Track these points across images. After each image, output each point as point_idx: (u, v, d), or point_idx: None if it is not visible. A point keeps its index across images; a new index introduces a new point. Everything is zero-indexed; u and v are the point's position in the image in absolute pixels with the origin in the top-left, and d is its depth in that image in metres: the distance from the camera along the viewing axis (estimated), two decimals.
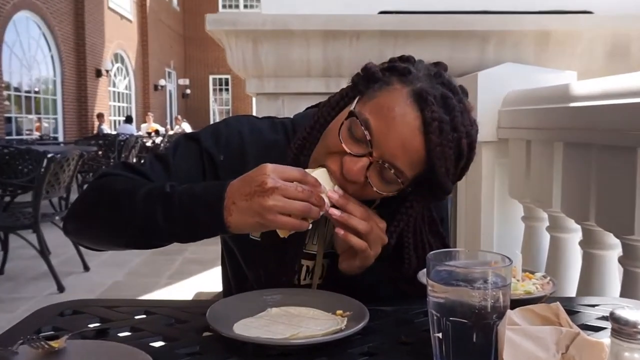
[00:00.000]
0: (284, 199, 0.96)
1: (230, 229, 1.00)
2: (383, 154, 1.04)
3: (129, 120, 15.80)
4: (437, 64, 1.13)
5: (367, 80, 1.10)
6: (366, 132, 1.03)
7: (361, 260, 1.10)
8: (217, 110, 28.58)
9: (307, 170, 1.06)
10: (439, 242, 1.25)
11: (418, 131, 1.02)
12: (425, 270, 0.86)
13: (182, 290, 4.83)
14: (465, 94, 1.12)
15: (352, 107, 1.09)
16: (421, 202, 1.16)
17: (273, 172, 0.98)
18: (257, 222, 0.98)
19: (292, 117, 1.34)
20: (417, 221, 1.19)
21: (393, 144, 1.02)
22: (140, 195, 1.05)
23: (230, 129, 1.24)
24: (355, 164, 1.04)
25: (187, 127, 17.94)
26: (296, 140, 1.19)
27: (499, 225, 2.35)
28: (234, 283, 1.38)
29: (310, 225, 1.02)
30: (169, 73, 26.09)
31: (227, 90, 28.74)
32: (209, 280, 4.97)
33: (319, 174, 1.06)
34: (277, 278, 1.23)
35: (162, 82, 23.87)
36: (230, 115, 24.48)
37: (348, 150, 1.05)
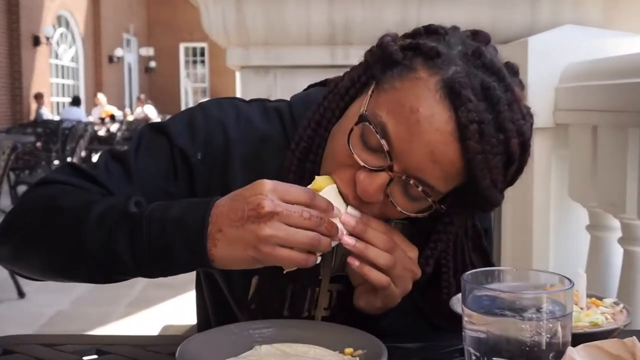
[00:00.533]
0: (285, 227, 0.96)
1: (215, 264, 1.00)
2: (407, 167, 1.03)
3: (76, 102, 15.85)
4: (476, 34, 1.12)
5: (384, 64, 1.09)
6: (383, 142, 1.03)
7: (383, 300, 1.11)
8: (190, 88, 28.60)
9: (316, 178, 1.06)
10: (481, 260, 1.25)
11: (451, 137, 1.01)
12: (460, 295, 0.86)
13: (146, 323, 4.85)
14: (515, 73, 1.11)
15: (364, 104, 1.08)
16: (463, 216, 1.16)
17: (272, 192, 0.98)
18: (249, 256, 0.98)
19: (289, 99, 1.33)
20: (458, 237, 1.20)
21: (419, 155, 1.02)
22: (95, 216, 1.05)
23: (209, 119, 1.24)
24: (372, 182, 1.04)
25: (151, 111, 18.01)
26: (298, 139, 1.18)
27: (557, 236, 2.34)
28: (212, 312, 1.37)
29: (319, 259, 1.02)
30: (128, 41, 26.13)
31: (202, 62, 28.77)
32: (180, 309, 4.98)
33: (330, 191, 1.07)
34: (274, 309, 1.23)
35: (118, 52, 23.93)
36: (208, 96, 24.34)
37: (362, 163, 1.05)
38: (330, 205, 1.02)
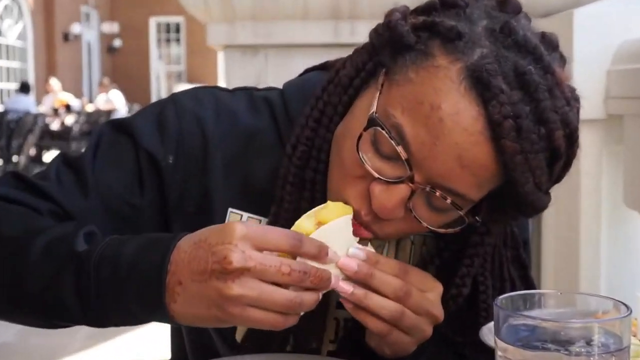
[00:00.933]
0: (258, 285, 0.95)
1: (176, 320, 1.00)
2: (430, 176, 1.03)
3: (24, 89, 15.83)
4: (504, 3, 1.10)
5: (394, 48, 1.08)
6: (400, 149, 1.02)
7: (391, 348, 1.11)
8: (163, 72, 28.63)
9: (329, 204, 1.06)
10: (518, 275, 1.26)
11: (482, 136, 1.00)
12: (491, 324, 0.86)
13: (108, 358, 4.81)
14: (554, 47, 1.10)
15: (374, 102, 1.07)
16: (502, 224, 1.17)
17: (244, 240, 0.95)
18: (213, 315, 0.97)
19: (281, 87, 1.34)
20: (496, 248, 1.20)
21: (444, 161, 1.02)
22: (39, 250, 1.05)
23: (183, 113, 1.24)
24: (390, 196, 1.04)
25: (117, 98, 18.01)
26: (295, 141, 1.18)
27: (610, 251, 2.34)
28: (189, 346, 1.38)
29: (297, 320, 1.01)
30: (87, 15, 26.19)
31: (177, 41, 28.81)
32: (151, 343, 4.97)
33: (342, 224, 1.05)
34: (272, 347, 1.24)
35: (75, 28, 23.95)
36: (185, 81, 24.37)
37: (376, 175, 1.05)
38: (322, 251, 1.00)
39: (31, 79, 20.58)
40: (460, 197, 1.04)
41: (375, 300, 1.04)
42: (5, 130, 10.18)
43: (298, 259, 0.98)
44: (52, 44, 22.52)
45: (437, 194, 1.03)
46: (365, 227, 1.08)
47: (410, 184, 1.03)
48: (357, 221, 1.08)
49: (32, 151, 10.04)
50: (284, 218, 1.17)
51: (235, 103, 1.27)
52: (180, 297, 0.97)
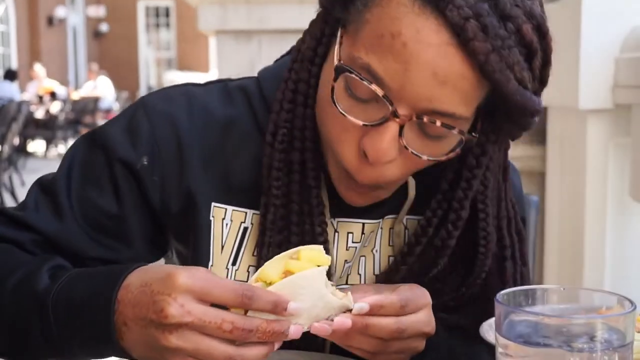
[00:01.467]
0: (196, 338, 0.96)
1: (131, 355, 1.03)
2: (413, 104, 1.04)
3: (10, 76, 15.80)
4: None
5: (342, 0, 1.10)
6: (374, 86, 1.04)
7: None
8: (152, 58, 28.56)
9: (301, 250, 1.04)
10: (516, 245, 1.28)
11: (450, 46, 1.01)
12: (492, 320, 0.86)
13: None
14: None
15: (336, 54, 1.09)
16: (497, 144, 1.17)
17: (186, 293, 0.95)
18: (158, 358, 0.99)
19: (257, 74, 1.35)
20: (494, 182, 1.22)
21: (421, 83, 1.02)
22: (7, 293, 1.11)
23: (154, 115, 1.26)
24: (381, 139, 1.05)
25: (106, 86, 17.95)
26: (273, 128, 1.20)
27: (615, 245, 2.35)
28: None
29: None
30: None
31: (167, 26, 28.73)
32: None
33: (307, 277, 1.01)
34: None
35: (60, 12, 23.86)
36: (175, 68, 24.24)
37: (361, 122, 1.06)
38: (279, 306, 0.97)
39: (14, 65, 20.51)
40: (449, 116, 1.05)
41: (358, 339, 1.07)
42: None
43: (250, 312, 0.98)
44: (36, 28, 22.42)
45: (425, 119, 1.04)
46: (369, 180, 1.10)
47: (396, 119, 1.04)
48: (358, 174, 1.10)
49: (16, 140, 9.99)
50: (275, 206, 1.20)
51: (208, 96, 1.29)
52: (126, 336, 1.00)
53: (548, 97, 2.55)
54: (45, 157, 14.82)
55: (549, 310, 0.84)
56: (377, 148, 1.05)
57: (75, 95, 17.19)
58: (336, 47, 1.10)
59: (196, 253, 1.26)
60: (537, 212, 1.56)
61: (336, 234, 1.27)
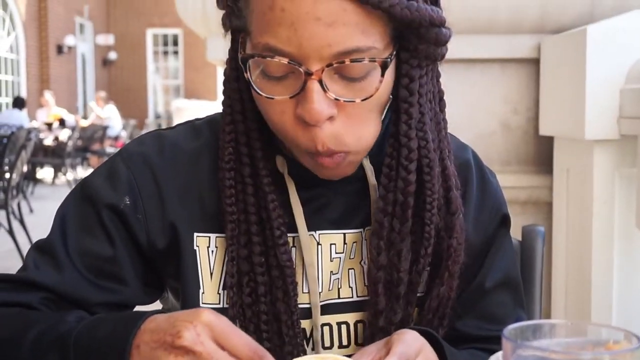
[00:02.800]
0: None
1: None
2: (318, 55, 1.07)
3: (18, 103, 15.81)
4: None
5: (229, 17, 1.17)
6: (277, 58, 1.08)
7: None
8: (159, 86, 28.68)
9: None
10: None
11: None
12: (500, 354, 0.86)
13: None
14: None
15: (239, 53, 1.15)
16: (422, 65, 1.19)
17: (206, 326, 1.00)
18: None
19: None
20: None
21: (315, 35, 1.06)
22: (29, 342, 1.14)
23: (129, 159, 1.32)
24: (310, 100, 1.08)
25: (113, 114, 17.99)
26: (222, 149, 1.26)
27: (621, 278, 2.34)
28: None
29: None
30: (82, 26, 26.24)
31: (175, 54, 28.84)
32: None
33: None
34: None
35: (69, 40, 23.98)
36: (182, 96, 24.24)
37: (286, 97, 1.10)
38: None
39: (23, 93, 20.60)
40: (354, 51, 1.07)
41: None
42: None
43: None
44: (46, 56, 22.52)
45: (335, 64, 1.06)
46: (328, 143, 1.12)
47: (312, 76, 1.07)
48: (318, 157, 1.14)
49: (25, 168, 10.02)
50: (232, 222, 1.25)
51: (177, 135, 1.35)
52: (134, 359, 1.03)
53: (554, 127, 2.58)
54: (54, 183, 14.85)
55: (556, 345, 0.84)
56: (309, 109, 1.08)
57: (84, 123, 17.24)
58: (239, 49, 1.15)
59: (187, 283, 1.29)
60: (543, 243, 1.56)
61: (319, 246, 1.30)
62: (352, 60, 1.07)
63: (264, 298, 1.25)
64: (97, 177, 1.32)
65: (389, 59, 1.12)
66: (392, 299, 1.25)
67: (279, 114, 1.13)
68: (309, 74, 1.07)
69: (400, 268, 1.23)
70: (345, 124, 1.12)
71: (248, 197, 1.24)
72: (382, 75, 1.11)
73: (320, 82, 1.07)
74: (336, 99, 1.09)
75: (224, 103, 1.27)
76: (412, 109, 1.19)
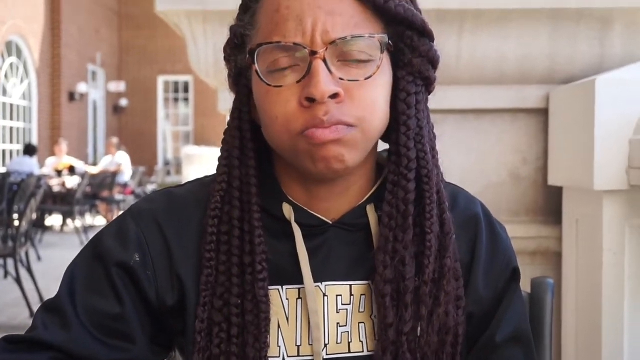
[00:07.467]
0: None
1: None
2: (321, 40, 1.18)
3: (30, 150, 15.84)
4: None
5: (234, 44, 1.29)
6: (284, 42, 1.19)
7: None
8: (169, 132, 28.79)
9: None
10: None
11: None
12: None
13: None
14: None
15: (254, 72, 1.23)
16: (415, 81, 1.28)
17: None
18: None
19: None
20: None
21: (316, 22, 1.18)
22: None
23: (139, 217, 1.35)
24: (317, 78, 1.16)
25: (124, 161, 18.06)
26: (211, 201, 1.31)
27: (634, 331, 2.33)
28: None
29: None
30: (94, 73, 26.45)
31: (185, 100, 29.00)
32: None
33: None
34: None
35: (81, 87, 24.15)
36: (192, 142, 24.33)
37: (294, 81, 1.19)
38: None
39: (35, 140, 20.71)
40: (355, 27, 1.20)
41: None
42: (6, 193, 10.19)
43: None
44: (57, 103, 22.63)
45: (338, 41, 1.17)
46: (331, 117, 1.18)
47: (317, 56, 1.17)
48: (319, 134, 1.18)
49: (34, 215, 10.07)
50: (209, 268, 1.29)
51: (185, 192, 1.39)
52: None
53: (563, 177, 2.58)
54: (62, 231, 14.87)
55: None
56: (315, 84, 1.16)
57: (94, 170, 17.28)
58: (254, 67, 1.23)
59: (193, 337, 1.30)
60: (553, 296, 1.56)
61: (325, 297, 1.31)
62: (353, 37, 1.18)
63: (235, 339, 1.26)
64: (107, 236, 1.34)
65: (386, 36, 1.23)
66: (401, 308, 1.26)
67: (284, 104, 1.19)
68: (314, 53, 1.16)
69: (405, 276, 1.26)
70: (350, 104, 1.19)
71: (233, 240, 1.28)
72: (382, 51, 1.21)
73: (325, 61, 1.17)
74: (340, 79, 1.18)
75: (221, 149, 1.32)
76: (410, 121, 1.27)
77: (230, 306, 1.26)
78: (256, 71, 1.21)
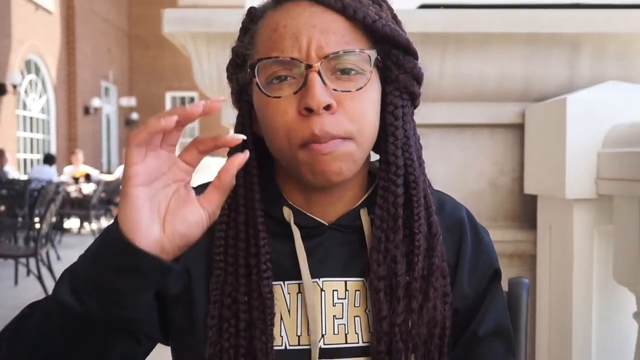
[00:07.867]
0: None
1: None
2: (315, 54, 1.19)
3: (49, 160, 15.79)
4: None
5: (236, 63, 1.31)
6: (284, 57, 1.19)
7: None
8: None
9: None
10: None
11: (313, 6, 1.22)
12: None
13: None
14: None
15: (254, 84, 1.24)
16: (402, 95, 1.30)
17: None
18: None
19: None
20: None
21: (311, 38, 1.19)
22: (42, 305, 1.16)
23: None
24: (313, 89, 1.16)
25: None
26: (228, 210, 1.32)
27: (600, 327, 2.34)
28: None
29: None
30: (107, 89, 26.38)
31: None
32: None
33: None
34: None
35: (95, 102, 24.09)
36: None
37: (291, 92, 1.19)
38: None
39: (53, 150, 20.67)
40: (348, 44, 1.21)
41: None
42: (28, 199, 10.14)
43: None
44: (74, 117, 22.57)
45: (331, 55, 1.19)
46: (327, 128, 1.18)
47: (312, 69, 1.18)
48: (315, 146, 1.19)
49: (54, 219, 10.06)
50: (220, 269, 1.30)
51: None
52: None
53: (538, 186, 2.60)
54: (79, 233, 14.83)
55: None
56: (311, 95, 1.16)
57: (109, 177, 17.23)
58: (254, 80, 1.24)
59: (198, 321, 1.31)
60: (528, 294, 1.57)
61: (322, 292, 1.31)
62: (345, 52, 1.19)
63: (243, 333, 1.26)
64: None
65: (375, 51, 1.24)
66: (394, 302, 1.27)
67: (282, 114, 1.20)
68: (309, 67, 1.17)
69: (397, 273, 1.26)
70: (343, 115, 1.19)
71: (240, 243, 1.28)
72: (371, 65, 1.23)
73: (320, 74, 1.18)
74: (334, 90, 1.18)
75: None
76: (397, 131, 1.28)
77: (238, 303, 1.26)
78: (257, 84, 1.22)
